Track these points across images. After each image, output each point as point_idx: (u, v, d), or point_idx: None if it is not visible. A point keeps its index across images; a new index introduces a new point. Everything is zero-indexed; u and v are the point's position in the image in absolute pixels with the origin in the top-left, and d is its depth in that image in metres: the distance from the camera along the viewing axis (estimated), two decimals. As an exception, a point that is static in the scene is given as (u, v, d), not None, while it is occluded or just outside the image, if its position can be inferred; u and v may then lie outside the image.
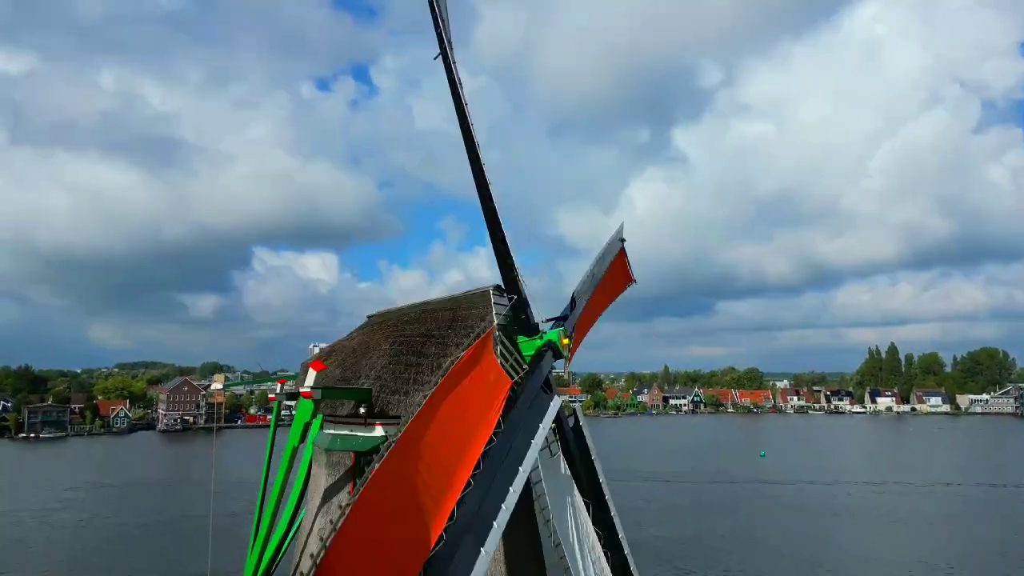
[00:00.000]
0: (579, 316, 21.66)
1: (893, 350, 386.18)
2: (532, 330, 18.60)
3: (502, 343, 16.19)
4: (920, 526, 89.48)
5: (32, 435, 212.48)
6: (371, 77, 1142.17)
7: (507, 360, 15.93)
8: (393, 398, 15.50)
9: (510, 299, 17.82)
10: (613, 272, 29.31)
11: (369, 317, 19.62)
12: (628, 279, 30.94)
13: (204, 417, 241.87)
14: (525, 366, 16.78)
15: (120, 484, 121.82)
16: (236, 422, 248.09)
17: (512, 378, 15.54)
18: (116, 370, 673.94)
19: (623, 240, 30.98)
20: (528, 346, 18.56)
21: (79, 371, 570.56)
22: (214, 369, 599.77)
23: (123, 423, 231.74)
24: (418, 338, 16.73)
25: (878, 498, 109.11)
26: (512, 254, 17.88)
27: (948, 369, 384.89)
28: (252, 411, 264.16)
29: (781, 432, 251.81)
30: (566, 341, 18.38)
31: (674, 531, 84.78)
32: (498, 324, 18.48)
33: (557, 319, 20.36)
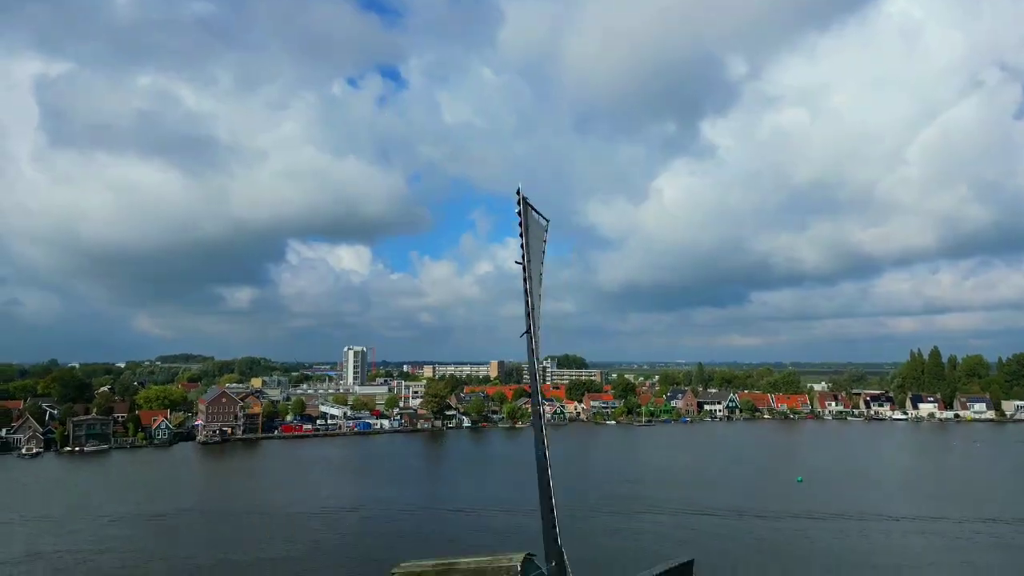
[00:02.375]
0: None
1: (936, 354, 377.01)
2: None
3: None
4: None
5: (77, 448, 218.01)
6: (399, 73, 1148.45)
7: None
8: None
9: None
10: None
11: (395, 570, 19.50)
12: None
13: (242, 428, 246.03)
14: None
15: (165, 513, 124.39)
16: (273, 432, 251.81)
17: None
18: (158, 362, 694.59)
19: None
20: None
21: (123, 365, 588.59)
22: (251, 364, 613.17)
23: (164, 435, 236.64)
24: None
25: (928, 540, 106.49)
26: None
27: (994, 372, 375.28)
28: (289, 419, 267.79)
29: (820, 444, 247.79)
30: None
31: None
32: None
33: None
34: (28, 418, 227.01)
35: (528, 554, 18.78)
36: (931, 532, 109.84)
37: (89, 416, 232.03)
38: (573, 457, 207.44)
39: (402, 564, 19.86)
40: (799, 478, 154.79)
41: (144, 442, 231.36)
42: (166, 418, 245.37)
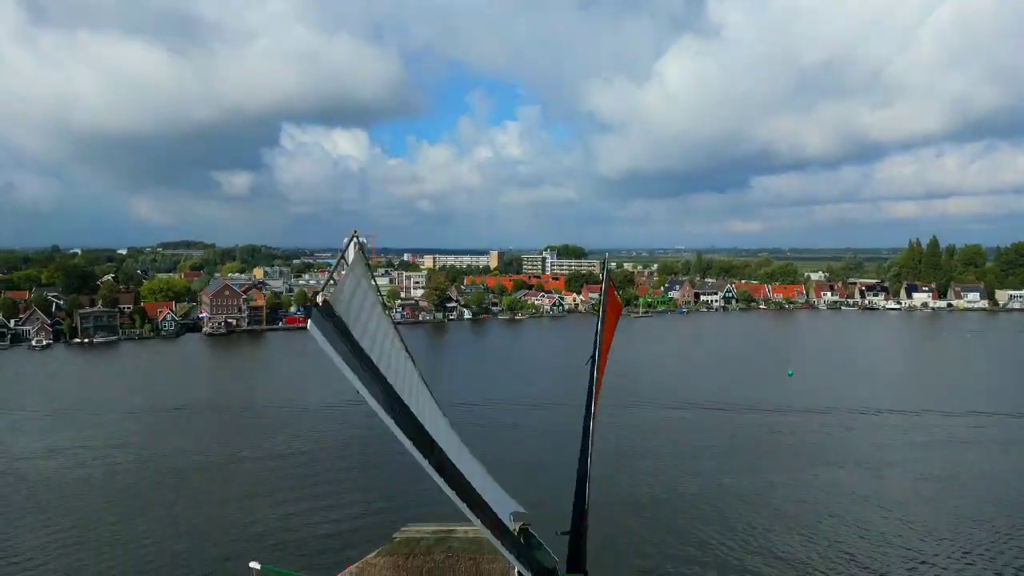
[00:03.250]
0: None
1: (934, 243, 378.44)
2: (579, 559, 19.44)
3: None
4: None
5: (86, 340, 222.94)
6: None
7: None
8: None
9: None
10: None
11: (396, 535, 20.67)
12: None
13: (247, 320, 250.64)
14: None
15: (178, 407, 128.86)
16: (277, 324, 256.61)
17: None
18: (160, 249, 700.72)
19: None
20: None
21: (124, 252, 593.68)
22: (252, 252, 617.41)
23: (171, 326, 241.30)
24: None
25: (910, 435, 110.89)
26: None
27: (992, 262, 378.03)
28: (292, 311, 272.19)
29: (812, 335, 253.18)
30: None
31: (668, 482, 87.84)
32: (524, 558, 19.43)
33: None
34: (35, 310, 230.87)
35: (524, 524, 19.93)
36: (915, 426, 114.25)
37: (95, 308, 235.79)
38: (566, 350, 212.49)
39: (403, 528, 21.12)
40: (789, 371, 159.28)
41: (151, 334, 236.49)
42: (171, 310, 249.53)
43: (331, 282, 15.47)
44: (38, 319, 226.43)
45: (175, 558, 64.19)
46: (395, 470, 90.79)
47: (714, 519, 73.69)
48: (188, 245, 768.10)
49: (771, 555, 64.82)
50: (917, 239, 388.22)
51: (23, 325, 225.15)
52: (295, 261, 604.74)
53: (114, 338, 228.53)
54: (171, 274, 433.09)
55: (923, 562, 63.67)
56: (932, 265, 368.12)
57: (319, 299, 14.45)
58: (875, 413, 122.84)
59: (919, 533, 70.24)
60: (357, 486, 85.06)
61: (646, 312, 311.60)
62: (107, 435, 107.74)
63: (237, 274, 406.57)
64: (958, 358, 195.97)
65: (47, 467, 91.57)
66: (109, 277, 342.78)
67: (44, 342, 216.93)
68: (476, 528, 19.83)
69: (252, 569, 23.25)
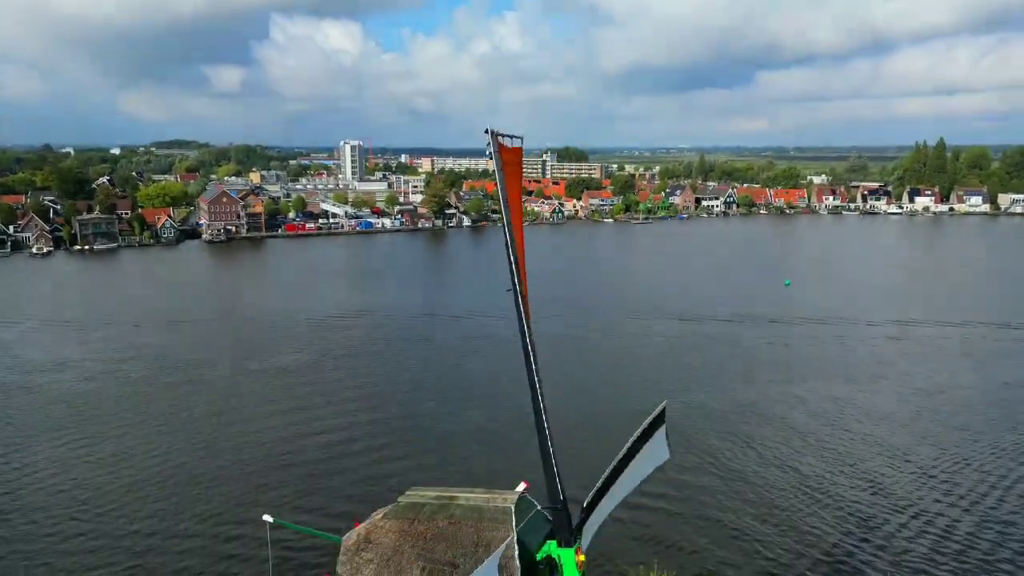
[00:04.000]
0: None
1: (941, 145, 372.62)
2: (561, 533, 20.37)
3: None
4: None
5: (86, 247, 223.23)
6: None
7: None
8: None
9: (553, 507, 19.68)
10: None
11: (401, 498, 21.61)
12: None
13: (246, 227, 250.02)
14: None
15: (183, 319, 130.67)
16: (276, 231, 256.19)
17: None
18: (153, 148, 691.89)
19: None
20: (566, 556, 20.54)
21: (117, 152, 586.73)
22: (247, 153, 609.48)
23: (170, 233, 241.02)
24: (446, 566, 18.90)
25: (900, 346, 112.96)
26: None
27: (998, 162, 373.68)
28: (291, 217, 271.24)
29: (811, 242, 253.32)
30: (582, 558, 20.10)
31: (663, 395, 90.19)
32: (523, 525, 20.47)
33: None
34: (33, 216, 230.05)
35: (523, 493, 20.89)
36: (905, 337, 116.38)
37: (94, 215, 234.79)
38: (566, 260, 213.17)
39: (408, 492, 22.14)
40: (787, 281, 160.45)
41: (151, 241, 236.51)
42: (169, 216, 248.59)
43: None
44: (37, 226, 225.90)
45: (185, 472, 66.90)
46: (397, 382, 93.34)
47: (705, 431, 76.29)
48: (181, 145, 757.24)
49: (761, 466, 67.58)
50: (924, 141, 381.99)
51: (22, 232, 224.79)
52: (291, 162, 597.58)
53: (114, 245, 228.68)
54: (166, 176, 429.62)
55: (919, 473, 66.52)
56: (937, 168, 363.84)
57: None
58: (868, 324, 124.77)
59: (905, 448, 72.90)
60: (362, 398, 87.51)
61: (646, 218, 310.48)
62: (115, 348, 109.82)
63: (233, 178, 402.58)
64: (952, 265, 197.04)
65: (58, 381, 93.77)
66: (104, 180, 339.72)
67: (44, 249, 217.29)
68: (476, 496, 20.84)
69: (265, 522, 24.58)
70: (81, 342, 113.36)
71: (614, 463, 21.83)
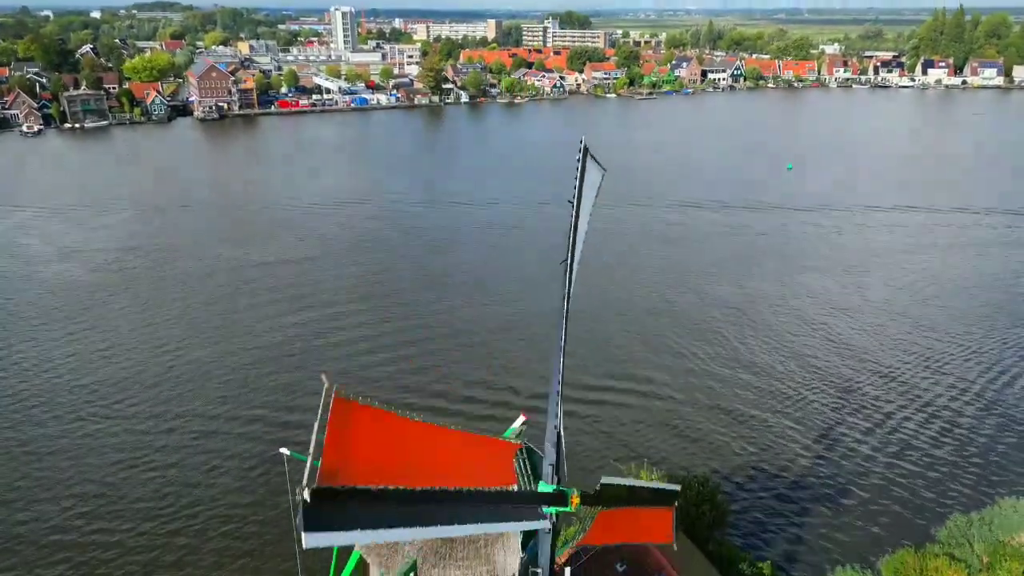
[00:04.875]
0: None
1: (960, 13, 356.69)
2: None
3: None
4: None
5: (77, 125, 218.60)
6: None
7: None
8: (434, 571, 20.22)
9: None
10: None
11: None
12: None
13: (238, 104, 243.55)
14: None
15: (182, 204, 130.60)
16: (269, 107, 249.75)
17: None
18: (134, 11, 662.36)
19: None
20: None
21: (98, 15, 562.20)
22: (234, 17, 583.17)
23: (160, 110, 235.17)
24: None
25: (894, 235, 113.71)
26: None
27: (1017, 31, 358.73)
28: (284, 93, 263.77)
29: (818, 119, 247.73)
30: (576, 500, 21.76)
31: (657, 291, 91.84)
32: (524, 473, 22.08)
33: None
34: (20, 92, 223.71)
35: (526, 445, 22.42)
36: (900, 224, 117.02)
37: (82, 91, 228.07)
38: (566, 141, 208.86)
39: None
40: (789, 165, 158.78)
41: (142, 118, 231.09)
42: (158, 91, 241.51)
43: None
44: (24, 102, 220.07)
45: (198, 366, 69.60)
46: (398, 279, 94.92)
47: (697, 328, 78.61)
48: (165, 7, 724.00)
49: (750, 364, 70.27)
50: (944, 8, 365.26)
51: (10, 109, 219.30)
52: (280, 27, 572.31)
53: (105, 123, 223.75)
54: (151, 44, 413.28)
55: (898, 369, 69.30)
56: (954, 37, 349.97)
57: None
58: (864, 210, 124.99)
59: (891, 345, 75.34)
60: (363, 296, 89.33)
61: (650, 93, 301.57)
62: (117, 236, 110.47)
63: (221, 47, 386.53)
64: (958, 144, 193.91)
65: (64, 272, 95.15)
66: (88, 49, 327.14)
67: (35, 128, 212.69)
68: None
69: (283, 455, 26.36)
70: (82, 230, 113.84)
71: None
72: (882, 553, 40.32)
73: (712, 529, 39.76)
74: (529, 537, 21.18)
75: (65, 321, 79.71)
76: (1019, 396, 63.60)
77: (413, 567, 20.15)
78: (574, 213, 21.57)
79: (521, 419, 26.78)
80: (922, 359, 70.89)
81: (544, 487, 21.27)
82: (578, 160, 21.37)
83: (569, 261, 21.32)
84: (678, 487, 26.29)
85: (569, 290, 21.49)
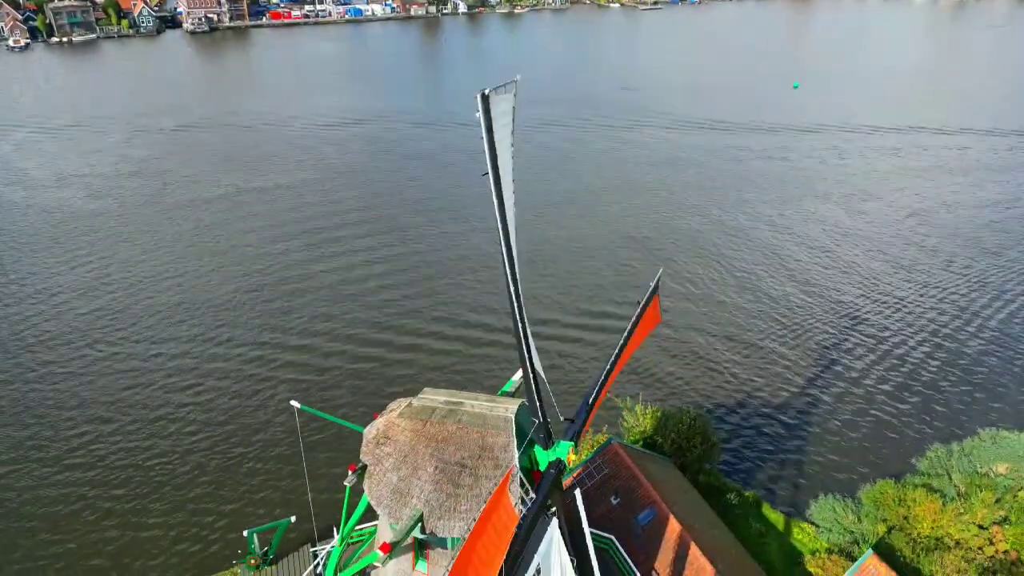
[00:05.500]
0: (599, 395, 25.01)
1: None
2: (548, 437, 22.94)
3: (520, 481, 21.08)
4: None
5: (65, 39, 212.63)
6: None
7: (520, 494, 20.97)
8: (439, 523, 21.54)
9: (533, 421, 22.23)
10: (645, 322, 30.53)
11: (413, 400, 23.98)
12: (656, 320, 32.34)
13: (229, 15, 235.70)
14: (532, 493, 21.65)
15: (177, 125, 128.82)
16: (261, 19, 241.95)
17: (519, 513, 20.70)
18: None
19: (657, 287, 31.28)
20: (543, 457, 23.17)
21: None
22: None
23: (149, 22, 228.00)
24: (455, 466, 21.81)
25: (896, 160, 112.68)
26: (533, 354, 21.49)
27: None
28: (276, 3, 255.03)
29: (830, 31, 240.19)
30: (573, 456, 22.83)
31: (663, 215, 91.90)
32: (519, 431, 23.07)
33: (571, 421, 24.01)
34: (3, 3, 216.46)
35: (523, 402, 23.31)
36: (907, 148, 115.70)
37: (67, 2, 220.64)
38: (570, 59, 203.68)
39: (420, 395, 24.60)
40: (795, 84, 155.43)
41: (130, 31, 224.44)
42: (145, 2, 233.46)
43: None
44: (8, 15, 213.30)
45: (201, 297, 70.56)
46: (401, 202, 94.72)
47: (699, 253, 79.19)
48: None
49: (748, 290, 71.26)
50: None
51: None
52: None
53: (93, 36, 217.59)
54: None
55: (897, 298, 70.37)
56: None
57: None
58: (870, 132, 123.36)
59: (889, 273, 76.10)
60: (363, 221, 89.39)
61: (655, 3, 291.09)
62: (114, 160, 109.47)
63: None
64: (972, 60, 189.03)
65: (62, 199, 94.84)
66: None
67: (22, 42, 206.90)
68: (480, 404, 23.45)
69: (293, 407, 27.53)
70: (78, 153, 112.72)
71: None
72: (865, 484, 42.24)
73: (702, 461, 41.68)
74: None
75: (67, 250, 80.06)
76: (1011, 328, 64.93)
77: (420, 518, 21.58)
78: (491, 177, 20.52)
79: (520, 374, 27.85)
80: (919, 288, 71.84)
81: (542, 455, 22.49)
82: (478, 114, 19.78)
83: (505, 246, 21.22)
84: (660, 269, 28.36)
85: (513, 274, 21.49)
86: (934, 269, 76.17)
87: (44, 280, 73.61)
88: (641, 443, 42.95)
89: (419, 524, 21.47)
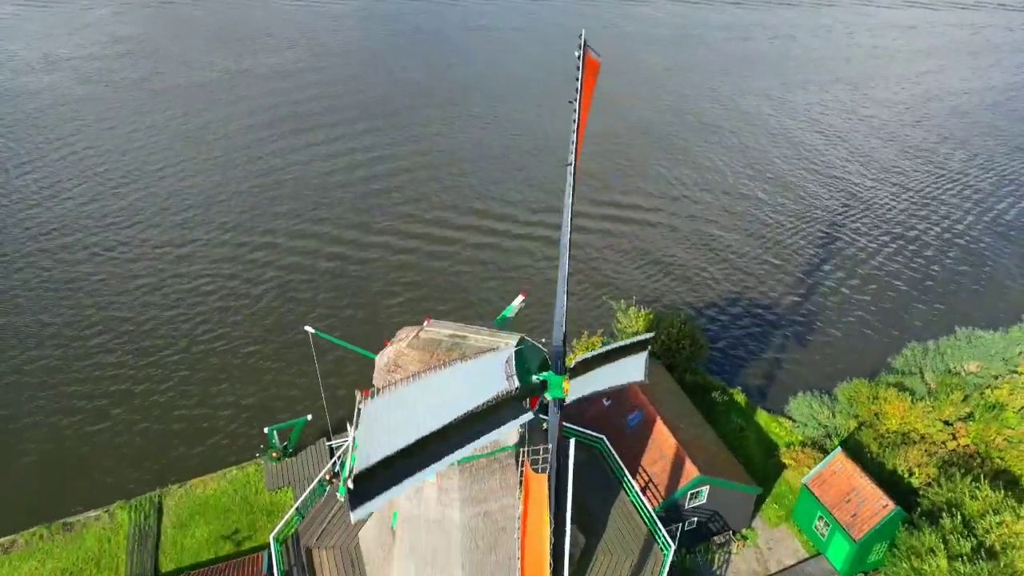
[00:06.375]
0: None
1: None
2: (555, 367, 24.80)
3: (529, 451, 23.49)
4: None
5: None
6: None
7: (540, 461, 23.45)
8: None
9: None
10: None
11: (425, 328, 25.59)
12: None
13: None
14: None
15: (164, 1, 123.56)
16: None
17: (544, 471, 23.17)
18: None
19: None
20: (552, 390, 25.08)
21: None
22: None
23: None
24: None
25: (908, 41, 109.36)
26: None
27: None
28: None
29: None
30: (568, 386, 24.55)
31: (671, 94, 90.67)
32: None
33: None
34: None
35: (523, 336, 24.79)
36: (919, 24, 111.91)
37: None
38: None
39: (426, 327, 26.14)
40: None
41: None
42: None
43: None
44: None
45: (201, 190, 71.17)
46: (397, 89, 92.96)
47: (705, 135, 79.02)
48: None
49: (754, 173, 71.93)
50: None
51: None
52: None
53: None
54: None
55: (902, 187, 71.10)
56: None
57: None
58: (879, 5, 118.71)
59: (879, 170, 76.29)
60: (362, 105, 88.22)
61: None
62: (103, 41, 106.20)
63: None
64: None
65: (54, 84, 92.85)
66: None
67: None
68: (481, 339, 25.19)
69: (307, 331, 29.31)
70: (66, 30, 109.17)
71: (606, 350, 25.83)
72: (842, 381, 44.87)
73: (690, 362, 44.32)
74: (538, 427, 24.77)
75: (62, 140, 79.61)
76: (999, 226, 66.15)
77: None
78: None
79: (520, 298, 29.54)
80: (914, 181, 72.46)
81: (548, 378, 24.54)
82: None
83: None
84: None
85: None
86: (930, 165, 76.27)
87: (42, 173, 73.90)
88: (633, 345, 45.40)
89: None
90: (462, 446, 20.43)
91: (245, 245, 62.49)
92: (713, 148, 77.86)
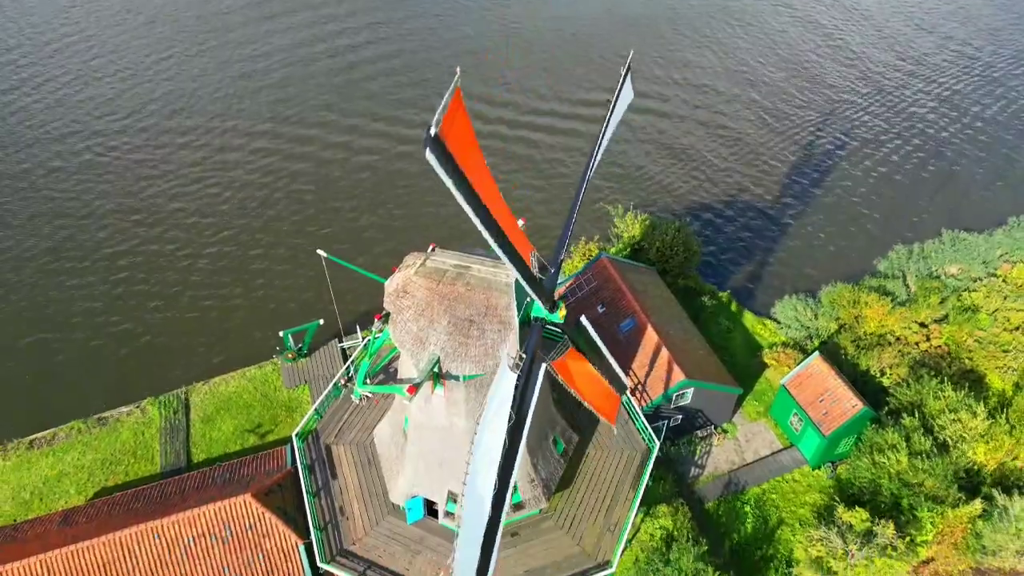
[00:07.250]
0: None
1: None
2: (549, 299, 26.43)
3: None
4: None
5: None
6: None
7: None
8: (453, 365, 26.05)
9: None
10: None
11: (432, 258, 27.11)
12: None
13: None
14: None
15: None
16: None
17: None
18: None
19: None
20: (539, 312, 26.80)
21: None
22: None
23: None
24: (465, 321, 25.59)
25: None
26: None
27: None
28: None
29: None
30: (563, 312, 26.44)
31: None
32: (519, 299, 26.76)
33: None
34: None
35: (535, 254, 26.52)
36: None
37: None
38: None
39: (431, 256, 27.64)
40: None
41: None
42: None
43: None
44: None
45: (193, 76, 70.40)
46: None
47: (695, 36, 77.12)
48: None
49: (738, 80, 71.06)
50: None
51: None
52: None
53: None
54: None
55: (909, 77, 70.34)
56: None
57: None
58: None
59: (881, 62, 74.77)
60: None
61: None
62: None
63: None
64: None
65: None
66: None
67: None
68: (486, 269, 26.92)
69: (320, 255, 30.87)
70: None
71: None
72: (827, 284, 46.75)
73: (683, 268, 46.26)
74: (524, 336, 26.94)
75: (57, 41, 77.79)
76: (995, 124, 66.03)
77: (437, 361, 26.33)
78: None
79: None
80: (903, 77, 71.47)
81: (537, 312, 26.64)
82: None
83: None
84: (628, 385, 31.01)
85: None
86: (922, 56, 74.81)
87: (38, 72, 72.77)
88: (628, 250, 47.21)
89: (436, 365, 26.33)
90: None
91: (246, 135, 62.83)
92: (709, 37, 76.10)
